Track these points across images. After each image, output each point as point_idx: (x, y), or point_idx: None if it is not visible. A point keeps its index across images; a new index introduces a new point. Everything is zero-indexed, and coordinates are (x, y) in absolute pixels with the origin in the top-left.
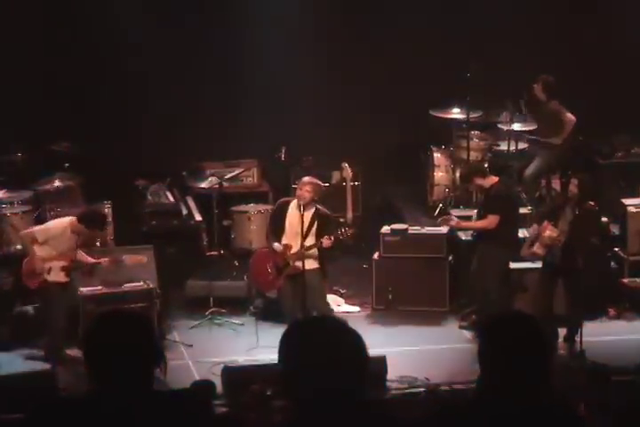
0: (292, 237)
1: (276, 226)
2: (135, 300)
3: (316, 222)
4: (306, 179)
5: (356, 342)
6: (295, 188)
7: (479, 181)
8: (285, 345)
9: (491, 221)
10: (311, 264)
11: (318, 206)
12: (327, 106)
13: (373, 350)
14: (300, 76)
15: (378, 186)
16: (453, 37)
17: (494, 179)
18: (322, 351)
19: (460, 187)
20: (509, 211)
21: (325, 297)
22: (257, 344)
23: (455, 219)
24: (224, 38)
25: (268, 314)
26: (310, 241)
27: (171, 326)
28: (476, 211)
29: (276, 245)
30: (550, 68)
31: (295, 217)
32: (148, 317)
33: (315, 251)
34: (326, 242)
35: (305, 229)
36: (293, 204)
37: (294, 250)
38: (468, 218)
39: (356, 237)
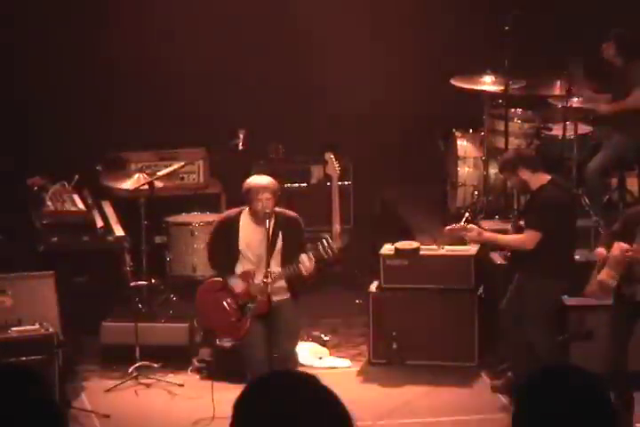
0: (253, 262)
1: (224, 250)
2: (27, 351)
3: (280, 235)
4: (257, 182)
5: (337, 410)
6: (248, 191)
7: (525, 176)
8: (239, 416)
9: (528, 238)
10: (281, 294)
11: (276, 210)
12: (303, 74)
13: (367, 424)
14: (263, 34)
15: (376, 187)
16: None
17: (544, 177)
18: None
19: (494, 188)
20: (559, 225)
21: (296, 340)
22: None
23: (475, 228)
24: None
25: (218, 370)
26: (277, 263)
27: (79, 387)
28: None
29: (233, 281)
30: (628, 20)
31: (254, 234)
32: (45, 375)
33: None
34: (307, 265)
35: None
36: (245, 215)
37: (259, 279)
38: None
39: (344, 252)
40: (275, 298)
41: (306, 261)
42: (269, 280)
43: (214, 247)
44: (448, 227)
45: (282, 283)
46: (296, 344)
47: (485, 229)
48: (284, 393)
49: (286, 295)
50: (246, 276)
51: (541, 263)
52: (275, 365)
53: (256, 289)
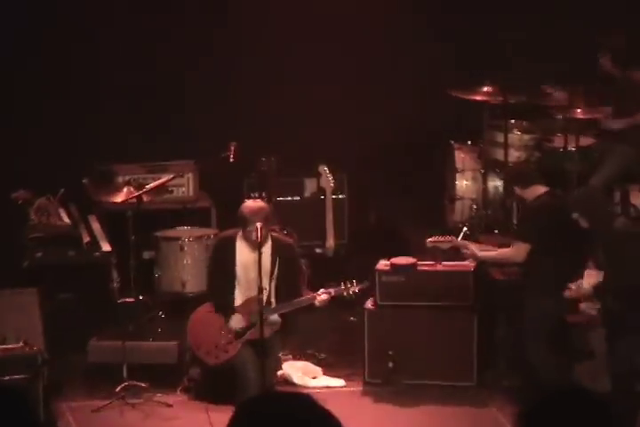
0: (248, 287)
1: (222, 275)
2: (11, 369)
3: (277, 263)
4: (248, 210)
5: None
6: (242, 218)
7: (518, 192)
8: None
9: (516, 250)
10: (272, 326)
11: (273, 234)
12: (295, 85)
13: None
14: (256, 44)
15: (372, 200)
16: None
17: (539, 189)
18: None
19: (493, 201)
20: (544, 234)
21: (277, 371)
22: None
23: (468, 245)
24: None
25: (208, 389)
26: (273, 290)
27: (65, 407)
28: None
29: (235, 318)
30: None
31: (250, 258)
32: (29, 394)
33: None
34: (322, 298)
35: (268, 275)
36: (240, 238)
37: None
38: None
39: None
40: (269, 327)
41: (324, 296)
42: (262, 296)
43: (215, 274)
44: (431, 239)
45: (275, 317)
46: (276, 376)
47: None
48: (280, 415)
49: (276, 327)
50: (250, 303)
51: (540, 279)
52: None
53: (254, 316)
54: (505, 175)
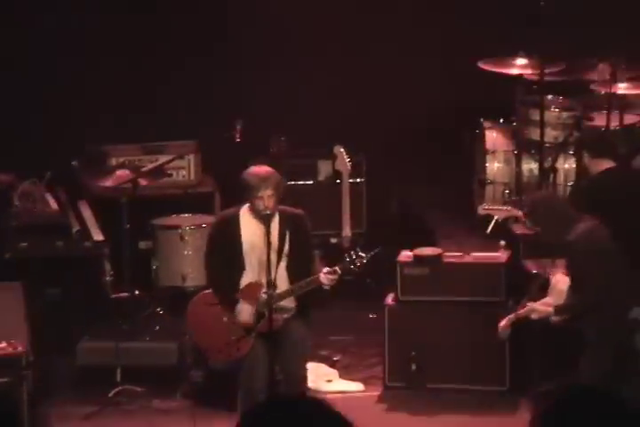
0: (257, 270)
1: (226, 261)
2: None
3: (287, 236)
4: (257, 175)
5: None
6: (247, 185)
7: (586, 160)
8: None
9: None
10: (288, 310)
11: (279, 207)
12: (309, 57)
13: None
14: (261, 14)
15: (393, 185)
16: None
17: (605, 164)
18: None
19: (528, 186)
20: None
21: (305, 362)
22: None
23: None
24: None
25: (211, 394)
26: (284, 268)
27: (52, 414)
28: None
29: (241, 308)
30: None
31: (258, 234)
32: (11, 400)
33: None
34: (326, 277)
35: (276, 253)
36: (245, 214)
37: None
38: None
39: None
40: (281, 315)
41: (330, 276)
42: (271, 291)
43: (214, 259)
44: (485, 206)
45: (285, 302)
46: (305, 367)
47: None
48: (292, 422)
49: (293, 312)
50: (255, 289)
51: None
52: (282, 389)
53: (262, 305)
54: (581, 138)
